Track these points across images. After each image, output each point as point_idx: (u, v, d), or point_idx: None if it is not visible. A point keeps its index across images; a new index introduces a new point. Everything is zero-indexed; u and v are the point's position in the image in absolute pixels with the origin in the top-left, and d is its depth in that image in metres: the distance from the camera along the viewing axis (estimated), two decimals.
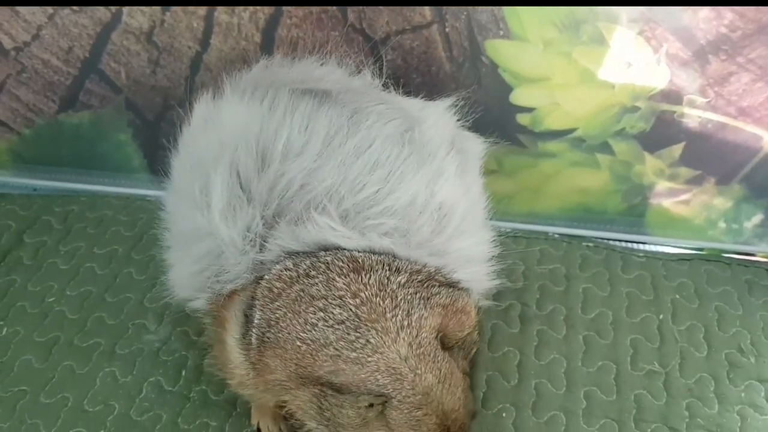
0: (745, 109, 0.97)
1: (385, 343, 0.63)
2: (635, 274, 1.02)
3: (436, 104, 0.85)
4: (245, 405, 0.84)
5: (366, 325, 0.64)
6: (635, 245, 1.09)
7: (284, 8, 0.98)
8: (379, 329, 0.64)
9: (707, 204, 1.06)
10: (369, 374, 0.63)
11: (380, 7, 0.96)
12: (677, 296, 0.98)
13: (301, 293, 0.66)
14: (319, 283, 0.66)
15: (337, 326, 0.64)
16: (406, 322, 0.64)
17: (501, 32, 0.96)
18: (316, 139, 0.72)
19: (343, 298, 0.65)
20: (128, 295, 0.99)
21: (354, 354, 0.63)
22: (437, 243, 0.71)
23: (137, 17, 1.02)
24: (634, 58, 0.95)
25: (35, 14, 1.03)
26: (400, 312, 0.65)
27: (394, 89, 0.88)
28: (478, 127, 0.88)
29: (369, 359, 0.63)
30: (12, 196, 1.17)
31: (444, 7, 0.96)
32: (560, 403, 0.85)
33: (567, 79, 0.98)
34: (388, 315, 0.64)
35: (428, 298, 0.66)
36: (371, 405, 0.64)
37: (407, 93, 0.88)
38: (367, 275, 0.66)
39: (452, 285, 0.70)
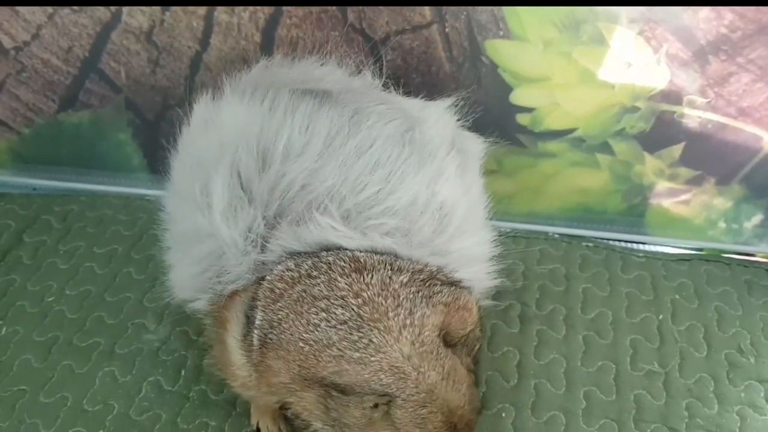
0: (745, 110, 0.97)
1: (387, 342, 0.63)
2: (635, 274, 1.02)
3: (436, 104, 0.85)
4: (245, 405, 0.84)
5: (368, 324, 0.64)
6: (635, 245, 1.09)
7: (284, 8, 0.98)
8: (382, 329, 0.64)
9: (707, 204, 1.06)
10: (372, 374, 0.63)
11: (380, 7, 0.96)
12: (677, 296, 0.98)
13: (303, 294, 0.66)
14: (321, 284, 0.66)
15: (339, 326, 0.64)
16: (408, 321, 0.64)
17: (501, 32, 0.96)
18: (317, 140, 0.72)
19: (346, 298, 0.65)
20: (128, 294, 0.99)
21: (357, 354, 0.63)
22: (438, 243, 0.71)
23: (137, 17, 1.02)
24: (634, 58, 0.95)
25: (35, 14, 1.03)
26: (402, 311, 0.65)
27: (395, 89, 0.88)
28: (478, 127, 0.88)
29: (372, 359, 0.63)
30: (11, 195, 1.17)
31: (444, 7, 0.96)
32: (560, 403, 0.85)
33: (567, 79, 0.98)
34: (391, 314, 0.64)
35: (430, 297, 0.66)
36: (376, 405, 0.64)
37: (407, 93, 0.88)
38: (369, 275, 0.66)
39: (454, 284, 0.70)
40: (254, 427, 0.82)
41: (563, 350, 0.91)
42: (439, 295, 0.67)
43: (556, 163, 1.06)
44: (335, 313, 0.64)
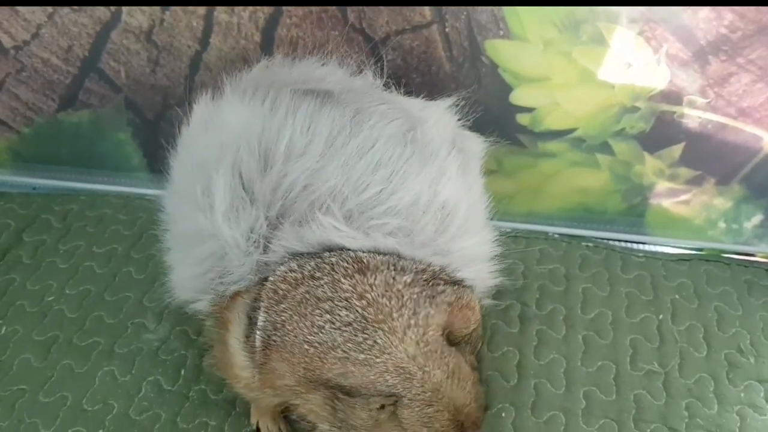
0: (745, 110, 0.97)
1: (392, 343, 0.63)
2: (635, 274, 1.02)
3: (437, 104, 0.85)
4: (244, 404, 0.84)
5: (373, 326, 0.63)
6: (635, 245, 1.09)
7: (284, 8, 0.98)
8: (387, 330, 0.63)
9: (707, 204, 1.06)
10: (378, 375, 0.63)
11: (380, 6, 0.96)
12: (677, 296, 0.98)
13: (307, 295, 0.66)
14: (325, 285, 0.66)
15: (344, 328, 0.64)
16: (412, 321, 0.64)
17: (501, 32, 0.96)
18: (319, 140, 0.71)
19: (350, 300, 0.65)
20: (127, 294, 0.99)
21: (362, 356, 0.63)
22: (441, 242, 0.71)
23: (137, 16, 1.01)
24: (634, 58, 0.95)
25: (35, 13, 1.03)
26: (406, 311, 0.65)
27: (396, 89, 0.88)
28: (478, 126, 0.88)
29: (377, 360, 0.63)
30: (11, 194, 1.17)
31: (444, 7, 0.96)
32: (560, 403, 0.85)
33: (567, 79, 0.98)
34: (395, 315, 0.64)
35: (434, 297, 0.66)
36: (383, 406, 0.64)
37: (407, 93, 0.88)
38: (373, 276, 0.66)
39: (456, 283, 0.70)
40: (254, 427, 0.82)
41: (563, 350, 0.91)
42: (443, 294, 0.67)
43: (556, 163, 1.06)
44: (339, 315, 0.64)
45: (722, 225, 1.07)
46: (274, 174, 0.70)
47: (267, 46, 1.01)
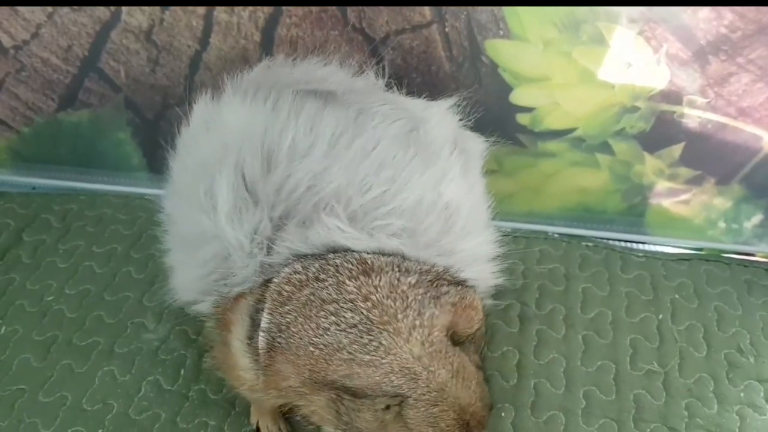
0: (745, 110, 0.97)
1: (397, 344, 0.63)
2: (635, 273, 1.02)
3: (438, 104, 0.85)
4: (244, 404, 0.84)
5: (378, 327, 0.63)
6: (635, 245, 1.09)
7: (284, 7, 0.98)
8: (391, 331, 0.63)
9: (707, 204, 1.06)
10: (384, 376, 0.63)
11: (380, 6, 0.96)
12: (677, 296, 0.98)
13: (312, 297, 0.66)
14: (330, 287, 0.66)
15: (349, 330, 0.64)
16: (417, 322, 0.64)
17: (501, 32, 0.96)
18: (322, 141, 0.71)
19: (355, 302, 0.65)
20: (127, 293, 0.99)
21: (368, 357, 0.63)
22: (445, 243, 0.71)
23: (136, 16, 1.01)
24: (634, 58, 0.95)
25: (34, 13, 1.03)
26: (411, 312, 0.65)
27: (398, 90, 0.88)
28: (478, 126, 0.88)
29: (383, 361, 0.63)
30: (11, 194, 1.17)
31: (444, 7, 0.95)
32: (559, 403, 0.85)
33: (567, 79, 0.98)
34: (400, 316, 0.64)
35: (438, 297, 0.66)
36: (388, 407, 0.64)
37: (408, 93, 0.88)
38: (377, 277, 0.66)
39: (459, 283, 0.70)
40: (254, 427, 0.82)
41: (563, 350, 0.91)
42: (447, 295, 0.67)
43: (556, 163, 1.06)
44: (345, 317, 0.64)
45: (722, 225, 1.07)
46: (277, 175, 0.69)
47: (267, 46, 1.01)
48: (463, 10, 0.95)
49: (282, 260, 0.69)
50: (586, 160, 1.05)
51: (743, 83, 0.94)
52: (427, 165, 0.73)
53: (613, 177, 1.06)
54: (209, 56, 1.04)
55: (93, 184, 1.19)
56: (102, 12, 1.02)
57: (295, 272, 0.68)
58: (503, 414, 0.84)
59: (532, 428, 0.83)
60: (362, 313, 0.64)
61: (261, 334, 0.67)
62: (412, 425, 0.64)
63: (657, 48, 0.94)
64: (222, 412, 0.85)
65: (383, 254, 0.68)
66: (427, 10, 0.96)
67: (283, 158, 0.70)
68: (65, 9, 1.02)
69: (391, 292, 0.65)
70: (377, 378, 0.63)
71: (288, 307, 0.66)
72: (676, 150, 1.02)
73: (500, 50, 0.97)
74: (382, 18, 0.97)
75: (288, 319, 0.66)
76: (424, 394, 0.63)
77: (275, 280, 0.68)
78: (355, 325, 0.64)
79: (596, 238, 1.10)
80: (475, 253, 0.74)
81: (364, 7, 0.97)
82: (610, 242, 1.09)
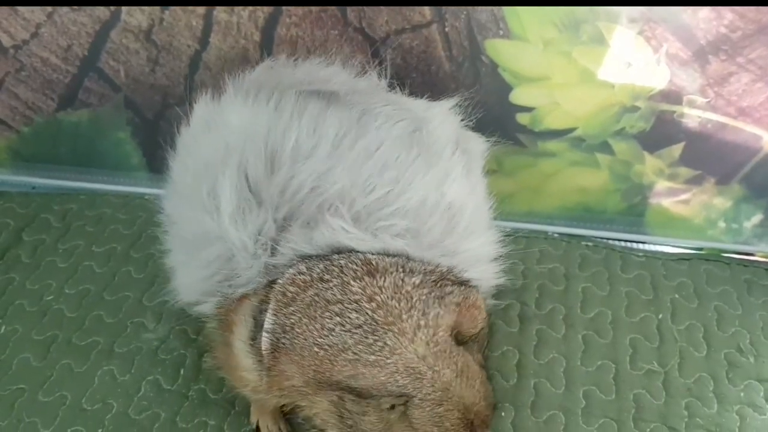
0: (744, 109, 0.97)
1: (402, 343, 0.63)
2: (634, 273, 1.02)
3: (440, 104, 0.85)
4: (244, 403, 0.84)
5: (383, 328, 0.64)
6: (635, 245, 1.09)
7: (284, 7, 0.98)
8: (396, 331, 0.64)
9: (707, 204, 1.06)
10: (389, 376, 0.63)
11: (380, 6, 0.96)
12: (676, 296, 0.98)
13: (316, 298, 0.66)
14: (334, 287, 0.66)
15: (354, 330, 0.64)
16: (422, 322, 0.64)
17: (501, 32, 0.96)
18: (326, 141, 0.71)
19: (359, 302, 0.65)
20: (127, 293, 0.99)
21: (373, 357, 0.63)
22: (448, 243, 0.71)
23: (136, 15, 1.01)
24: (634, 58, 0.95)
25: (34, 12, 1.03)
26: (416, 312, 0.65)
27: (400, 90, 0.88)
28: (478, 126, 0.88)
29: (388, 361, 0.63)
30: (10, 194, 1.17)
31: (444, 7, 0.95)
32: (559, 403, 0.85)
33: (567, 79, 0.98)
34: (404, 316, 0.64)
35: (442, 297, 0.66)
36: (392, 407, 0.64)
37: (407, 93, 0.88)
38: (382, 278, 0.66)
39: (463, 283, 0.70)
40: (254, 426, 0.82)
41: (563, 349, 0.91)
42: (451, 295, 0.67)
43: (556, 163, 1.06)
44: (349, 318, 0.64)
45: (722, 224, 1.07)
46: (281, 176, 0.69)
47: (267, 46, 1.01)
48: (463, 10, 0.95)
49: (286, 261, 0.69)
50: (586, 160, 1.05)
51: (743, 83, 0.94)
52: (430, 165, 0.73)
53: (613, 177, 1.06)
54: (209, 56, 1.04)
55: (93, 183, 1.19)
56: (102, 12, 1.02)
57: (300, 273, 0.68)
58: (503, 414, 0.84)
59: (531, 428, 0.83)
60: (367, 313, 0.64)
61: (265, 335, 0.67)
62: (417, 425, 0.64)
63: (657, 48, 0.94)
64: (222, 411, 0.85)
65: (388, 255, 0.68)
66: (427, 10, 0.96)
67: (287, 159, 0.70)
68: (65, 9, 1.02)
69: (395, 293, 0.65)
70: (382, 378, 0.63)
71: (292, 308, 0.66)
72: (676, 150, 1.02)
73: (500, 50, 0.97)
74: (382, 18, 0.97)
75: (292, 320, 0.66)
76: (429, 394, 0.63)
77: (279, 281, 0.68)
78: (359, 326, 0.64)
79: (596, 237, 1.10)
80: (479, 254, 0.74)
81: (364, 6, 0.96)
82: (610, 242, 1.08)
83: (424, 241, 0.70)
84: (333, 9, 0.97)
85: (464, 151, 0.80)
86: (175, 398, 0.86)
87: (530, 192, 1.09)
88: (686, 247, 1.09)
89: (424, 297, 0.66)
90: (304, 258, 0.69)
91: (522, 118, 1.03)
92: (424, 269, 0.68)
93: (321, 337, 0.64)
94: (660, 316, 0.95)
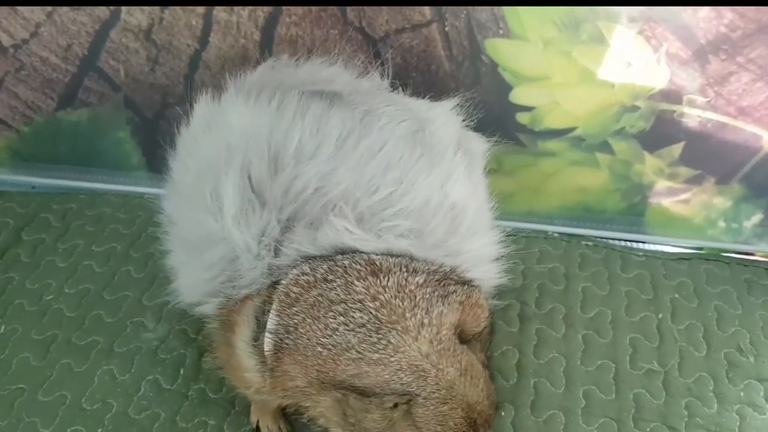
0: (744, 109, 0.97)
1: (406, 342, 0.63)
2: (634, 273, 1.02)
3: (442, 104, 0.85)
4: (244, 403, 0.84)
5: (387, 326, 0.64)
6: (635, 244, 1.09)
7: (283, 6, 0.98)
8: (400, 329, 0.64)
9: (707, 203, 1.06)
10: (392, 374, 0.63)
11: (380, 6, 0.96)
12: (676, 295, 0.98)
13: (320, 298, 0.66)
14: (338, 288, 0.66)
15: (358, 330, 0.64)
16: (426, 320, 0.65)
17: (501, 31, 0.96)
18: (329, 142, 0.71)
19: (363, 302, 0.65)
20: (126, 293, 0.99)
21: (376, 355, 0.63)
22: (451, 243, 0.72)
23: (136, 15, 1.01)
24: (633, 58, 0.95)
25: (34, 12, 1.03)
26: (419, 311, 0.65)
27: (402, 90, 0.88)
28: (478, 126, 0.88)
29: (392, 359, 0.63)
30: (10, 193, 1.17)
31: (444, 6, 0.95)
32: (559, 402, 0.85)
33: (567, 79, 0.98)
34: (408, 315, 0.64)
35: (446, 296, 0.67)
36: (396, 405, 0.64)
37: (409, 93, 0.88)
38: (386, 278, 0.66)
39: (465, 283, 0.71)
40: (254, 426, 0.82)
41: (563, 349, 0.91)
42: (454, 294, 0.67)
43: (556, 162, 1.06)
44: (353, 317, 0.64)
45: (722, 224, 1.07)
46: (284, 176, 0.69)
47: (266, 45, 1.01)
48: (462, 10, 0.95)
49: (290, 262, 0.69)
50: (586, 160, 1.05)
51: (743, 82, 0.94)
52: (433, 166, 0.73)
53: (612, 176, 1.06)
54: (209, 55, 1.03)
55: (92, 183, 1.19)
56: (101, 11, 1.01)
57: (303, 274, 0.68)
58: (503, 413, 0.84)
59: (531, 427, 0.83)
60: (371, 312, 0.64)
61: (268, 335, 0.67)
62: (420, 423, 0.64)
63: (657, 47, 0.93)
64: (221, 411, 0.85)
65: (391, 255, 0.69)
66: (426, 10, 0.96)
67: (290, 160, 0.70)
68: (65, 8, 1.02)
69: (399, 292, 0.65)
70: (386, 376, 0.63)
71: (296, 309, 0.66)
72: (676, 149, 1.02)
73: (500, 49, 0.97)
74: (382, 17, 0.97)
75: (296, 321, 0.66)
76: (433, 392, 0.63)
77: (283, 281, 0.68)
78: (363, 325, 0.64)
79: (596, 237, 1.10)
80: (481, 254, 0.74)
81: (364, 6, 0.96)
82: (610, 241, 1.09)
83: (427, 242, 0.70)
84: (333, 8, 0.97)
85: (466, 152, 0.80)
86: (175, 398, 0.86)
87: (530, 192, 1.09)
88: (686, 247, 1.09)
89: (427, 296, 0.66)
90: (308, 259, 0.69)
91: (522, 118, 1.03)
92: (428, 269, 0.68)
93: (324, 337, 0.64)
94: (660, 315, 0.95)
